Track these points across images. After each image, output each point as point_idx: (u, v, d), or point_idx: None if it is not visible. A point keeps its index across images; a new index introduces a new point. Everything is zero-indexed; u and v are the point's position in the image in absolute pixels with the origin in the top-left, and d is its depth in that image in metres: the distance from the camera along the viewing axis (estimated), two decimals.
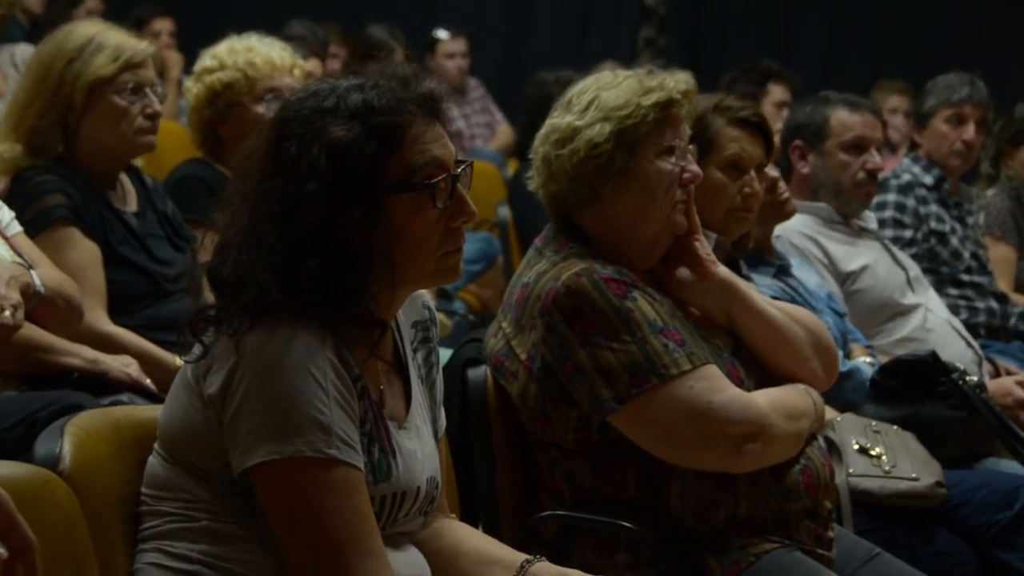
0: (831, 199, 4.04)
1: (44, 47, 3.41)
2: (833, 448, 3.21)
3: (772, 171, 3.50)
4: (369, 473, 2.00)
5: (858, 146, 4.03)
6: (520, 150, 6.63)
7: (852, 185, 4.05)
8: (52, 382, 3.08)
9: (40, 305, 2.99)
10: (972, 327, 4.59)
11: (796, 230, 3.94)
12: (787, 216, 3.61)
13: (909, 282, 4.16)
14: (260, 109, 3.92)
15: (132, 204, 3.50)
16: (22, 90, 3.40)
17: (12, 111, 3.39)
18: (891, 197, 4.76)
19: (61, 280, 3.06)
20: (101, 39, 3.38)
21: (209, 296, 2.06)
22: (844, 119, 4.04)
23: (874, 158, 4.04)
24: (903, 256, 4.26)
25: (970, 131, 4.88)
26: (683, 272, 2.74)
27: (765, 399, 2.66)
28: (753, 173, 3.09)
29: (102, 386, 3.12)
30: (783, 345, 2.77)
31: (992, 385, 3.83)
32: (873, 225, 4.25)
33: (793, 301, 3.27)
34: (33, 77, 3.38)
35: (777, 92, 6.96)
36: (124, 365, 3.17)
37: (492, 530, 2.66)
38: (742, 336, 2.78)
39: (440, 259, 2.06)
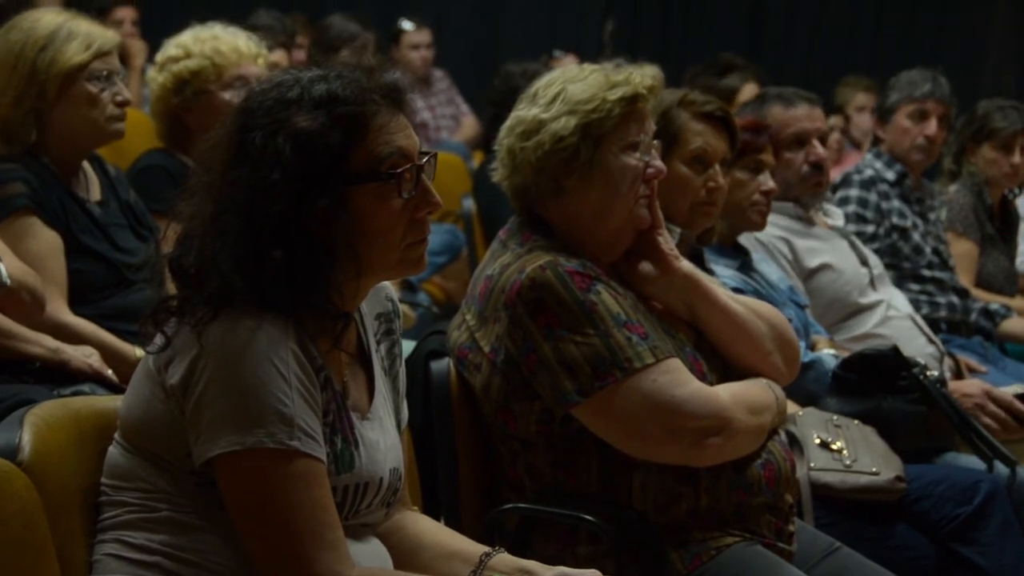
0: (783, 195, 4.03)
1: (10, 35, 3.37)
2: (794, 442, 3.22)
3: (769, 180, 3.52)
4: (332, 464, 2.00)
5: (798, 140, 4.02)
6: (486, 142, 6.62)
7: (798, 180, 4.03)
8: (13, 371, 3.07)
9: (4, 296, 2.97)
10: (933, 322, 4.61)
11: None
12: (756, 227, 3.63)
13: (872, 281, 4.17)
14: (227, 96, 3.91)
15: (95, 193, 3.48)
16: None
17: None
18: (853, 192, 4.78)
19: (25, 272, 3.05)
20: (70, 27, 3.37)
21: (171, 287, 2.05)
22: (780, 116, 4.00)
23: (816, 149, 4.00)
24: (870, 254, 4.28)
25: (932, 127, 4.90)
26: (646, 266, 2.75)
27: (727, 393, 2.67)
28: (717, 167, 3.10)
29: (63, 376, 3.10)
30: (745, 339, 2.78)
31: (964, 385, 3.84)
32: (840, 222, 4.26)
33: (756, 294, 3.29)
34: (2, 67, 3.34)
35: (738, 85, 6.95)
36: (86, 355, 3.16)
37: (453, 522, 2.66)
38: (704, 330, 2.79)
39: (404, 250, 2.07)
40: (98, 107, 3.38)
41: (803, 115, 4.01)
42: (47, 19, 3.38)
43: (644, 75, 2.72)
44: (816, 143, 4.01)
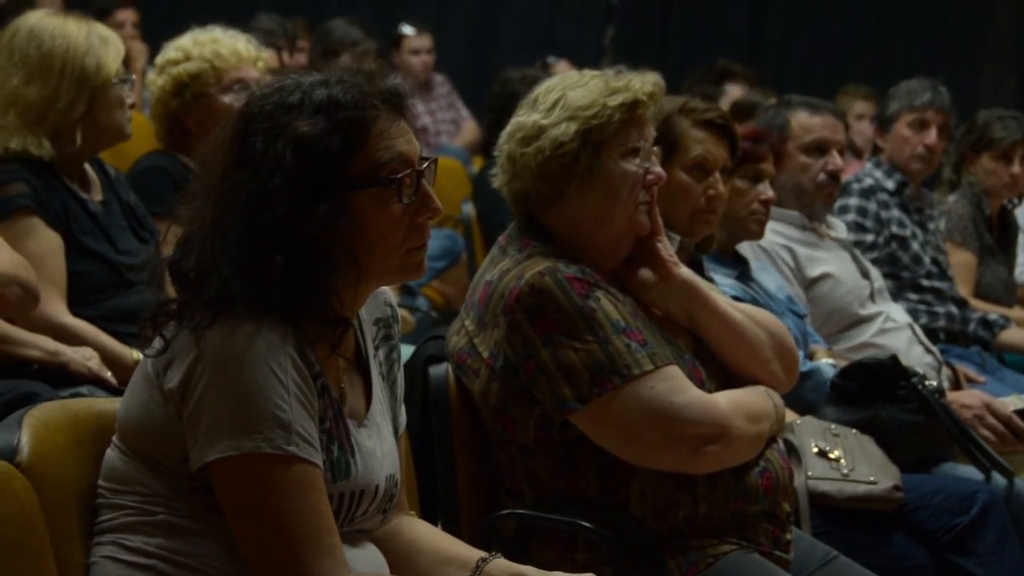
0: (793, 202, 4.05)
1: (45, 40, 3.34)
2: (792, 451, 3.22)
3: (768, 190, 3.53)
4: (328, 471, 2.00)
5: (819, 148, 4.05)
6: (486, 147, 6.62)
7: (813, 187, 4.06)
8: (11, 373, 3.07)
9: None
10: (931, 332, 4.62)
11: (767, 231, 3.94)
12: (754, 236, 3.63)
13: (872, 294, 4.17)
14: (227, 100, 3.93)
15: (97, 193, 3.49)
16: (35, 84, 3.31)
17: (31, 105, 3.31)
18: (853, 201, 4.79)
19: (17, 265, 3.04)
20: (98, 31, 3.39)
21: (171, 290, 2.05)
22: (804, 121, 4.05)
23: (835, 160, 4.05)
24: (871, 268, 4.28)
25: (932, 136, 4.90)
26: (645, 273, 2.75)
27: (726, 400, 2.67)
28: (718, 175, 3.10)
29: (62, 378, 3.10)
30: (744, 346, 2.78)
31: (964, 396, 3.85)
32: (843, 234, 4.27)
33: (754, 304, 3.28)
34: (46, 72, 3.33)
35: (735, 92, 6.97)
36: (85, 358, 3.15)
37: (451, 528, 2.66)
38: (703, 337, 2.79)
39: (404, 255, 2.07)
40: (122, 109, 3.41)
41: (828, 124, 4.06)
42: (73, 24, 3.38)
43: (644, 81, 2.72)
44: (835, 154, 4.04)
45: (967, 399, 3.83)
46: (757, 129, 3.69)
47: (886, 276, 4.49)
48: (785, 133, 4.02)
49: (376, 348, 2.21)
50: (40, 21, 3.39)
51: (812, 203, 4.07)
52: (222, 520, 1.96)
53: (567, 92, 2.69)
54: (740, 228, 3.57)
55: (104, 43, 3.37)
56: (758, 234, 3.64)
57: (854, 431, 3.36)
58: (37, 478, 1.96)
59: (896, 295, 4.58)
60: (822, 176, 4.06)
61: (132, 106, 3.48)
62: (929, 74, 5.20)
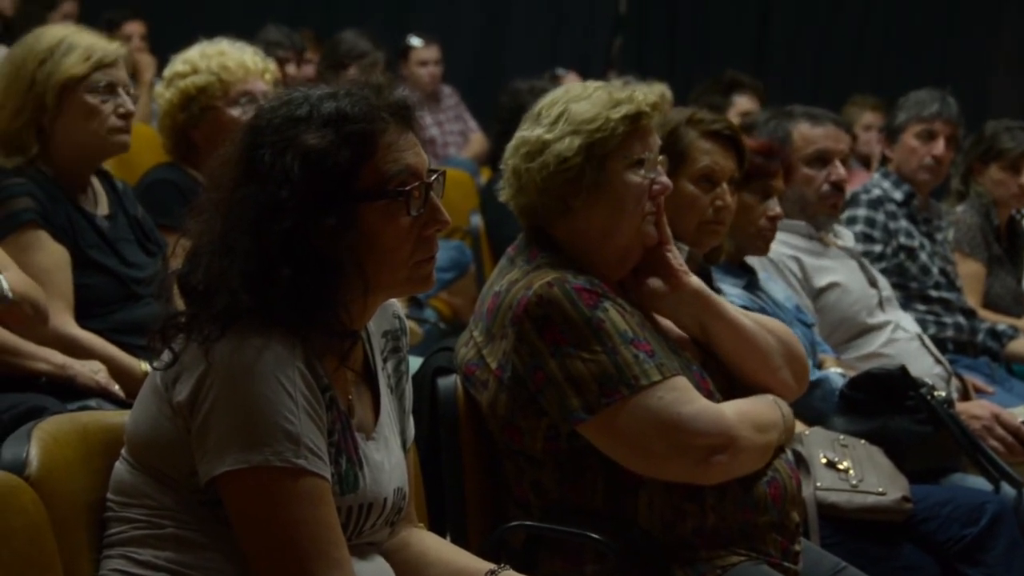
0: (798, 213, 4.04)
1: (15, 49, 3.42)
2: (801, 461, 3.21)
3: (776, 206, 3.53)
4: (336, 484, 2.00)
5: (821, 159, 4.04)
6: (493, 159, 6.63)
7: (817, 198, 4.05)
8: (20, 386, 3.07)
9: (6, 310, 2.98)
10: (940, 342, 4.61)
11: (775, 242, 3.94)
12: (760, 252, 3.63)
13: (881, 303, 4.17)
14: (234, 113, 3.93)
15: (103, 207, 3.49)
16: None
17: None
18: (861, 212, 4.79)
19: (28, 285, 3.05)
20: (72, 40, 3.39)
21: (179, 303, 2.05)
22: (806, 133, 4.05)
23: (838, 170, 4.04)
24: (879, 276, 4.28)
25: (940, 147, 4.90)
26: (655, 282, 2.75)
27: (734, 411, 2.67)
28: (725, 186, 3.10)
29: (70, 391, 3.10)
30: (754, 354, 2.78)
31: (973, 407, 3.84)
32: (851, 243, 4.26)
33: (762, 313, 3.28)
34: (5, 79, 3.37)
35: (743, 102, 6.97)
36: (93, 371, 3.16)
37: (460, 540, 2.66)
38: (714, 345, 2.78)
39: (413, 267, 2.07)
40: (97, 119, 3.38)
41: (830, 134, 4.05)
42: (51, 33, 3.41)
43: (647, 92, 2.71)
44: (838, 164, 4.03)
45: (976, 410, 3.82)
46: (769, 144, 3.67)
47: (894, 287, 4.49)
48: (787, 145, 4.01)
49: (384, 360, 2.21)
50: (33, 33, 3.42)
51: (816, 214, 4.07)
52: (231, 533, 1.96)
53: (570, 105, 2.69)
54: (747, 243, 3.57)
55: (69, 50, 3.36)
56: (764, 251, 3.63)
57: (863, 442, 3.35)
58: (46, 491, 1.97)
59: (904, 306, 4.57)
60: (825, 187, 4.05)
61: (127, 115, 3.43)
62: (937, 84, 5.20)
